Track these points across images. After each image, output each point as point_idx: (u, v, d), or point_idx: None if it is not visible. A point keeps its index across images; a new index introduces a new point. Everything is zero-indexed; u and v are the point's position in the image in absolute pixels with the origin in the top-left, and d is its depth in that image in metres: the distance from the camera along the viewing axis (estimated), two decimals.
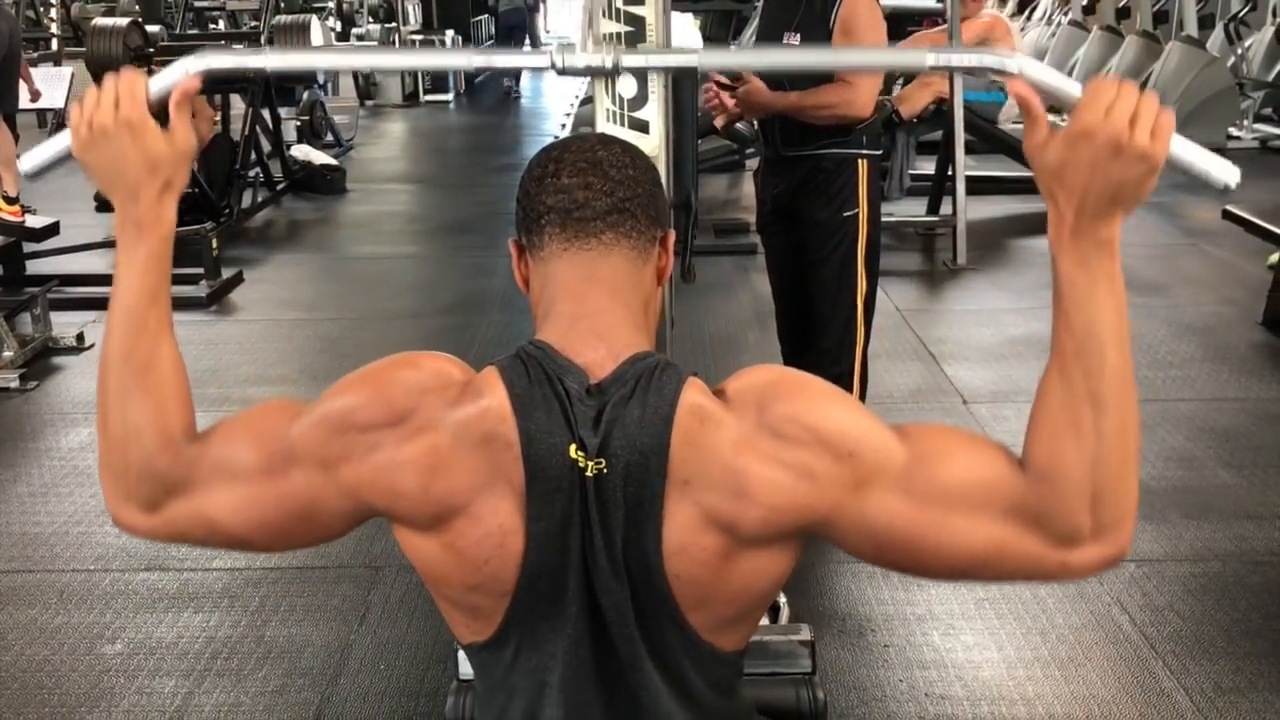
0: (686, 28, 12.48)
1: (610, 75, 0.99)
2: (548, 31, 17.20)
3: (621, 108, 1.78)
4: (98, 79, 6.60)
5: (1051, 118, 1.02)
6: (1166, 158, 0.96)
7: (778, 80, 3.04)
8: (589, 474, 1.04)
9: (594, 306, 1.10)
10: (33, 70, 9.36)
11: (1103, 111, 0.95)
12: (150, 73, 1.14)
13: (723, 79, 3.14)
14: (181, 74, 1.13)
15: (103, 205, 6.49)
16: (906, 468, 1.03)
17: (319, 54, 1.10)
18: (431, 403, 1.06)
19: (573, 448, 1.04)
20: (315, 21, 7.67)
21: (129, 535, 1.15)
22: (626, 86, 1.76)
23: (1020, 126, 7.23)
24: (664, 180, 1.37)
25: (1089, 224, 0.98)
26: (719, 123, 3.33)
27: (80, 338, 4.78)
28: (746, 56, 0.92)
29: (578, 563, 1.07)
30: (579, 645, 1.10)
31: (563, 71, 1.00)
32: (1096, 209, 0.97)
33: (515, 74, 14.90)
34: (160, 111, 1.13)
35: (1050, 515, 1.01)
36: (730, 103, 3.12)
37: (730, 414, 1.04)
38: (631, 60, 0.99)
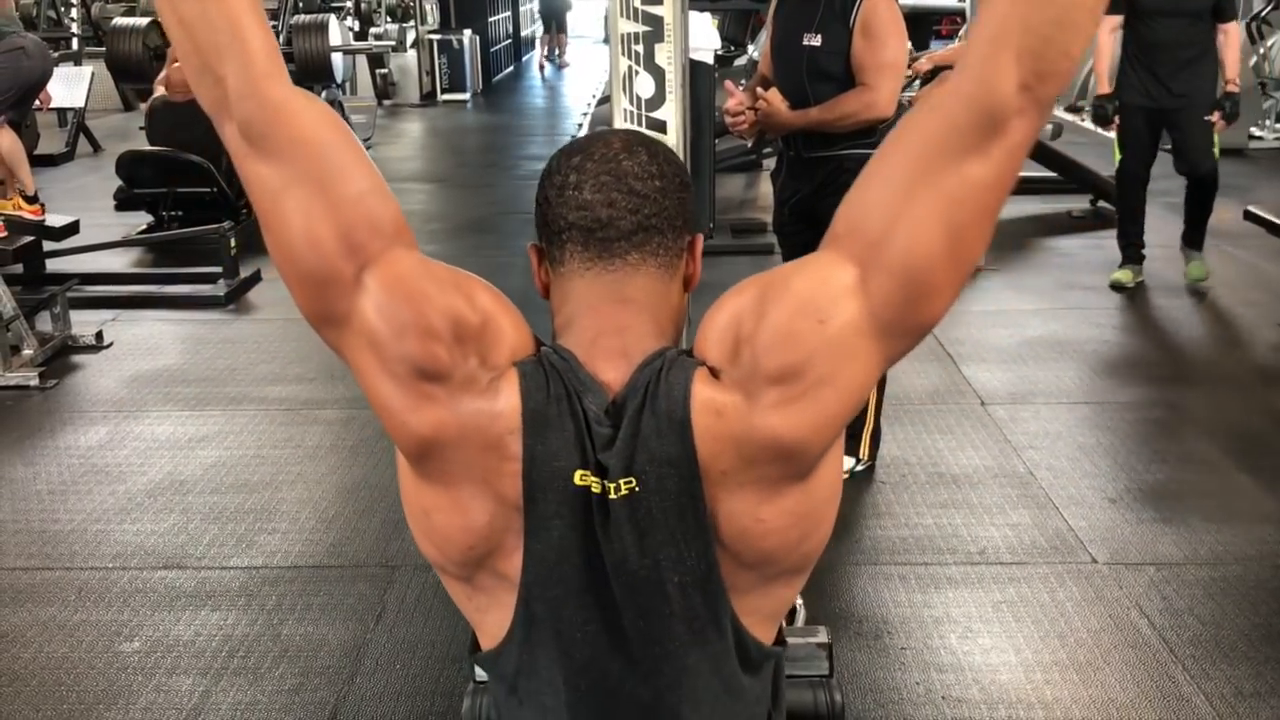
0: (704, 27, 12.47)
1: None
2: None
3: (639, 108, 1.78)
4: (118, 79, 6.59)
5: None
6: None
7: (798, 85, 3.03)
8: (612, 496, 1.02)
9: (619, 324, 1.07)
10: (54, 69, 9.41)
11: None
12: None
13: (739, 99, 3.10)
14: None
15: (122, 204, 6.54)
16: (858, 268, 1.00)
17: None
18: (461, 375, 1.01)
19: (579, 474, 1.02)
20: (333, 21, 7.68)
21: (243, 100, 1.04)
22: (644, 86, 1.76)
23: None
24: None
25: None
26: (747, 139, 3.32)
27: (99, 336, 4.80)
28: None
29: (581, 589, 1.05)
30: (588, 670, 1.08)
31: None
32: None
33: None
34: None
35: (977, 100, 0.96)
36: (752, 119, 3.09)
37: (731, 393, 1.01)
38: None
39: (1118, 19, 5.03)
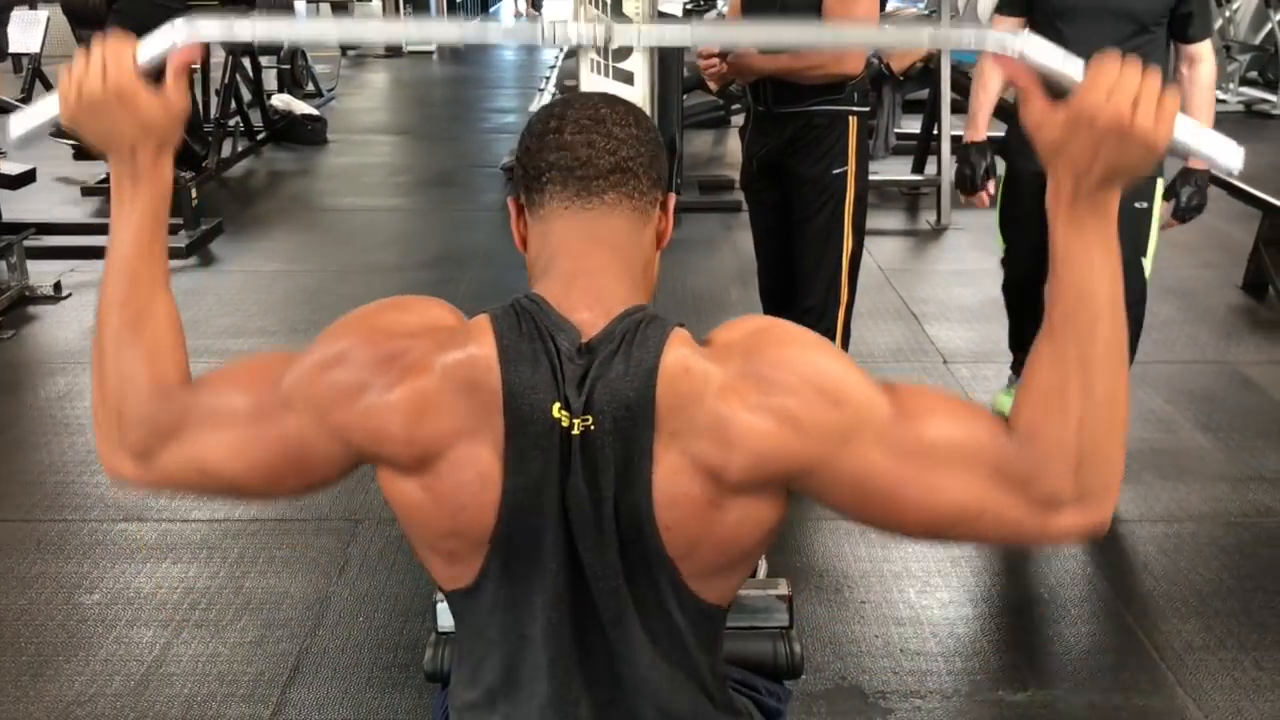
0: None
1: (602, 49, 0.98)
2: None
3: (606, 58, 1.77)
4: (74, 23, 6.37)
5: None
6: (1169, 140, 0.95)
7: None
8: (575, 432, 1.04)
9: (594, 265, 1.10)
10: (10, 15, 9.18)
11: (1104, 95, 0.94)
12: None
13: (716, 47, 3.10)
14: (168, 43, 1.11)
15: (80, 154, 6.42)
16: (891, 422, 1.03)
17: (303, 25, 1.08)
18: (420, 345, 1.05)
19: (556, 406, 1.03)
20: None
21: (122, 486, 1.17)
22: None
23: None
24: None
25: (1087, 193, 0.98)
26: (713, 86, 3.30)
27: (57, 287, 4.73)
28: (740, 32, 0.91)
29: (557, 520, 1.07)
30: (559, 601, 1.10)
31: (557, 44, 0.98)
32: (1096, 183, 0.97)
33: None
34: (151, 71, 1.12)
35: (1033, 478, 1.01)
36: (723, 69, 3.09)
37: (715, 363, 1.04)
38: (623, 34, 0.97)
39: (1015, 24, 3.04)
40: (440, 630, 1.57)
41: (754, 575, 2.45)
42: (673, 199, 1.17)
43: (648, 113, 1.85)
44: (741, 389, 1.02)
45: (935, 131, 6.11)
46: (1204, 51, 2.93)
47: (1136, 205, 2.99)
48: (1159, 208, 3.00)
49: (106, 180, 6.50)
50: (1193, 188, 3.01)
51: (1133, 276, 2.92)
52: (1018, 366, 3.46)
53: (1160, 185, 3.00)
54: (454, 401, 1.04)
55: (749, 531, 1.08)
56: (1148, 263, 3.02)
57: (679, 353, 1.04)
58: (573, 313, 1.07)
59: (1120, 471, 1.03)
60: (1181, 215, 3.03)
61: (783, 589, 1.69)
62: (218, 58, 7.51)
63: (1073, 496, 1.01)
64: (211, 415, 1.11)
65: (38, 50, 9.08)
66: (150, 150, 1.12)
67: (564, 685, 1.14)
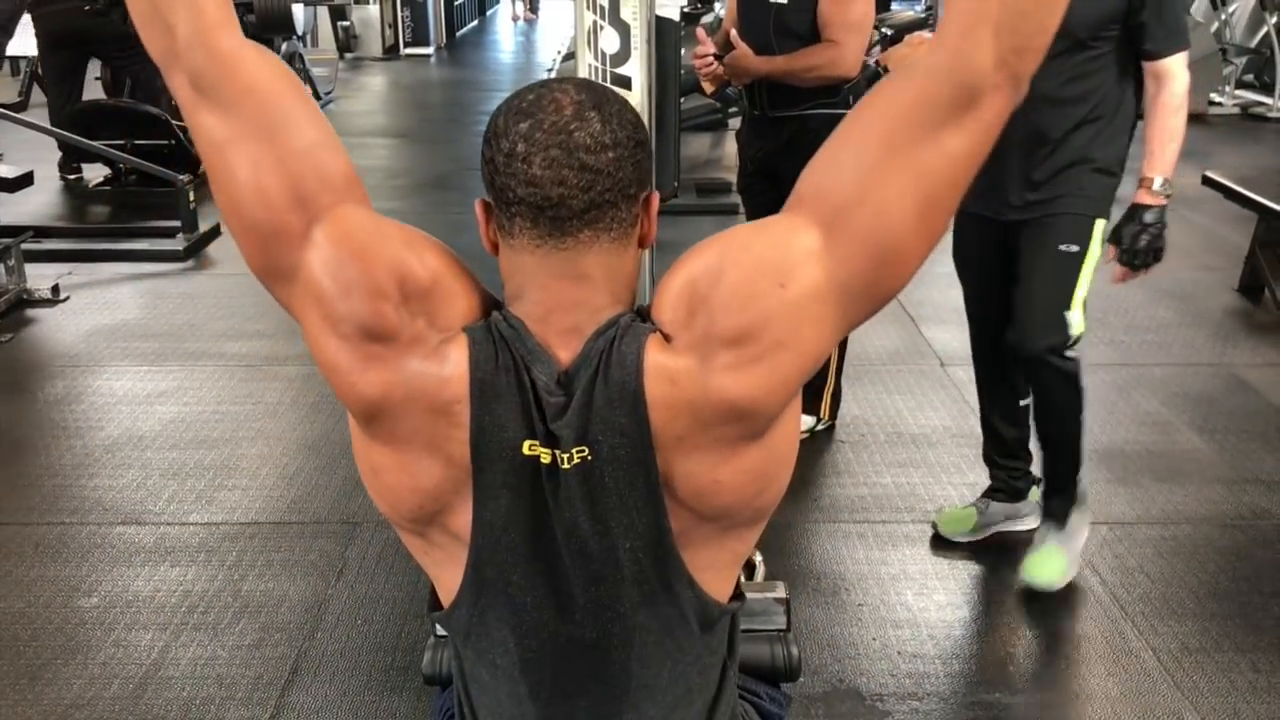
0: None
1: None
2: None
3: (604, 63, 1.77)
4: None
5: None
6: None
7: (765, 43, 3.02)
8: (565, 466, 1.02)
9: (570, 300, 1.04)
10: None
11: None
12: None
13: (712, 48, 3.11)
14: None
15: (65, 166, 6.42)
16: (826, 236, 1.00)
17: None
18: (407, 331, 1.02)
19: (527, 444, 1.02)
20: None
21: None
22: (609, 41, 1.74)
23: None
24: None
25: None
26: (708, 88, 3.32)
27: (55, 290, 4.73)
28: None
29: (528, 557, 1.06)
30: (538, 632, 1.10)
31: None
32: None
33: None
34: None
35: (968, 85, 0.97)
36: (719, 70, 3.10)
37: (687, 354, 1.00)
38: None
39: None
40: (438, 634, 1.58)
41: (751, 577, 2.46)
42: (655, 199, 1.09)
43: (645, 120, 1.85)
44: (716, 362, 0.99)
45: None
46: (1168, 69, 2.42)
47: (1062, 249, 2.47)
48: (1095, 254, 2.50)
49: (105, 183, 6.49)
50: (1138, 227, 2.47)
51: (1053, 332, 2.47)
52: (991, 491, 2.94)
53: (1100, 227, 2.50)
54: (419, 414, 1.03)
55: (788, 447, 1.07)
56: (1076, 318, 2.48)
57: (655, 362, 1.00)
58: (550, 345, 1.04)
59: (1048, 37, 0.97)
60: (1128, 261, 2.49)
61: (780, 592, 1.70)
62: None
63: (993, 64, 0.96)
64: (261, 135, 1.04)
65: (35, 54, 9.08)
66: None
67: (549, 706, 1.14)
